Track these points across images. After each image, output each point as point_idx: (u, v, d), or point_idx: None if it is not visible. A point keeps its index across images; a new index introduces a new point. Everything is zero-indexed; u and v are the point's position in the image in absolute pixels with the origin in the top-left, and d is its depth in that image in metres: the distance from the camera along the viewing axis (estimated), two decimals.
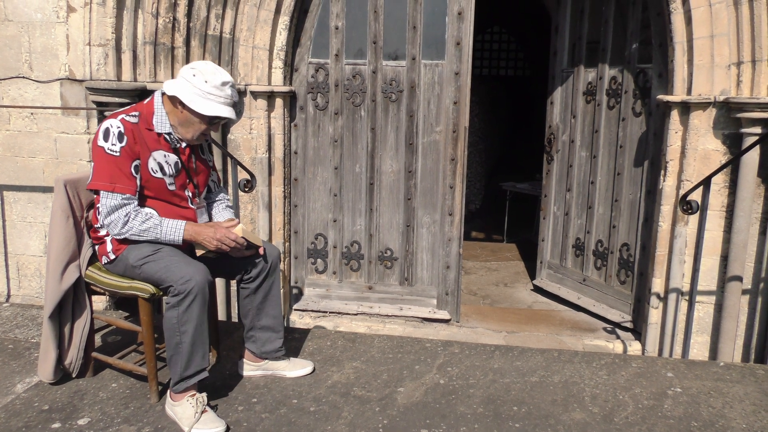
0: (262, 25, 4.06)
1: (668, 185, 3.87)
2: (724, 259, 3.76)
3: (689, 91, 3.70)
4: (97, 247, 2.51)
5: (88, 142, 3.80)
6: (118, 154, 2.28)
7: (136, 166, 2.32)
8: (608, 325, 4.48)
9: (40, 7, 3.73)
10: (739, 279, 3.68)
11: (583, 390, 2.63)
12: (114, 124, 2.29)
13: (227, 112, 2.34)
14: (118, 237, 2.35)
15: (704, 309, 3.89)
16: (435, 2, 4.16)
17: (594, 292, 4.68)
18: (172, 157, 2.42)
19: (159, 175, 2.38)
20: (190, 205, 2.51)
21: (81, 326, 2.57)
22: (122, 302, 3.84)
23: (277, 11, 4.07)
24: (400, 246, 4.50)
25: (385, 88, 4.31)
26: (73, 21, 3.71)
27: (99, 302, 3.78)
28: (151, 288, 2.39)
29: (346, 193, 4.49)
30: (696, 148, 3.73)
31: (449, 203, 4.38)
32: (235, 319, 4.30)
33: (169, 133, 2.39)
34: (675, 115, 3.79)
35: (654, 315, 4.02)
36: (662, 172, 3.91)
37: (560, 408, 2.47)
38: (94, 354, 2.64)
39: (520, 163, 10.36)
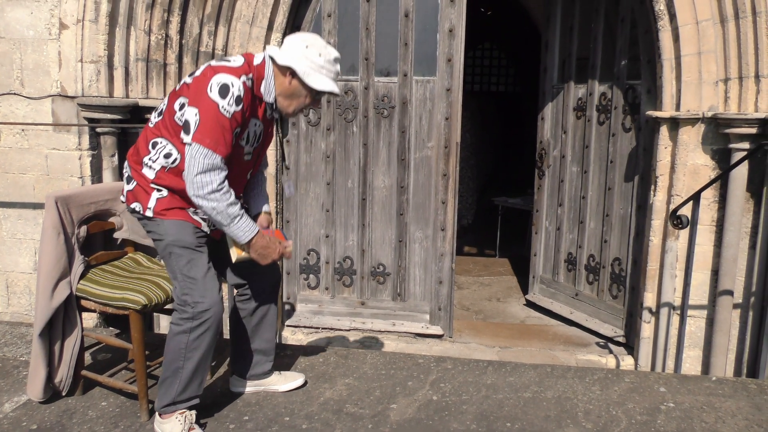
0: (255, 41, 4.08)
1: (658, 200, 3.90)
2: (715, 273, 3.78)
3: (678, 107, 3.74)
4: (133, 185, 2.27)
5: (80, 159, 3.79)
6: (230, 116, 2.11)
7: (236, 133, 2.18)
8: (601, 340, 4.48)
9: (33, 24, 3.74)
10: (730, 293, 3.69)
11: (576, 406, 2.62)
12: (235, 85, 2.11)
13: (337, 89, 2.25)
14: (194, 198, 2.11)
15: (696, 323, 3.90)
16: (426, 20, 4.20)
17: (586, 306, 4.69)
18: (260, 127, 2.30)
19: (243, 143, 2.25)
20: (247, 177, 2.42)
21: (71, 344, 2.55)
22: (113, 319, 3.81)
23: (269, 28, 4.09)
24: (392, 261, 4.50)
25: (377, 104, 4.33)
26: (66, 38, 3.72)
27: (89, 319, 3.74)
28: (142, 299, 2.38)
29: (339, 209, 4.49)
30: (685, 163, 3.76)
31: (441, 218, 4.39)
32: (226, 335, 4.27)
33: (272, 104, 2.28)
34: (664, 130, 3.83)
35: (646, 329, 4.03)
36: (652, 186, 3.94)
37: (553, 424, 2.46)
38: (84, 372, 2.62)
39: (512, 178, 10.40)
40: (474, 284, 5.96)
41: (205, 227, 2.30)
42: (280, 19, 4.11)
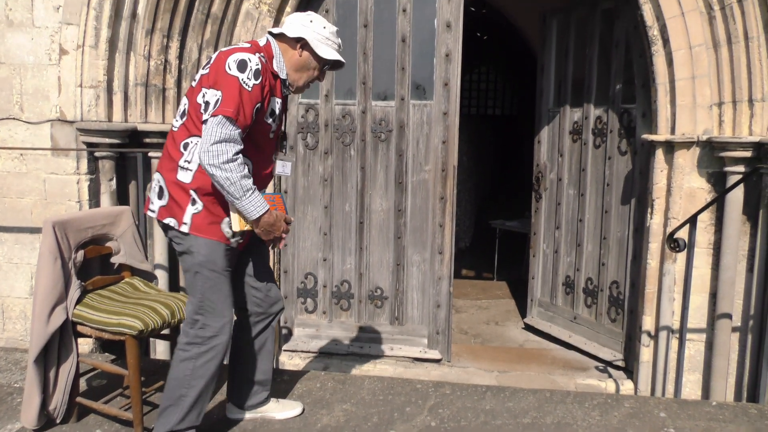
0: None
1: (655, 223, 3.91)
2: (713, 296, 3.78)
3: (673, 131, 3.77)
4: (166, 199, 2.24)
5: (78, 183, 3.80)
6: (250, 89, 2.14)
7: (257, 109, 2.19)
8: (600, 364, 4.46)
9: (33, 50, 3.77)
10: (729, 316, 3.69)
11: (575, 431, 2.59)
12: (252, 60, 2.16)
13: (341, 59, 2.35)
14: (208, 167, 2.10)
15: (695, 347, 3.89)
16: (423, 45, 4.25)
17: (585, 330, 4.67)
18: (280, 104, 2.33)
19: (269, 120, 2.29)
20: (273, 157, 2.43)
21: (66, 370, 2.53)
22: (109, 344, 3.78)
23: None
24: (390, 285, 4.48)
25: (375, 127, 4.36)
26: (66, 63, 3.75)
27: (85, 344, 3.72)
28: (138, 324, 2.36)
29: (336, 232, 4.49)
30: (681, 186, 3.78)
31: (439, 241, 4.39)
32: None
33: (285, 80, 2.33)
34: (660, 153, 3.85)
35: (645, 353, 4.01)
36: (649, 209, 3.95)
37: None
38: (79, 399, 2.59)
39: (509, 201, 10.43)
40: (472, 307, 5.94)
41: (233, 243, 2.28)
42: None
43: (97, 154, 3.81)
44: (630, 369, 4.25)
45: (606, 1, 4.34)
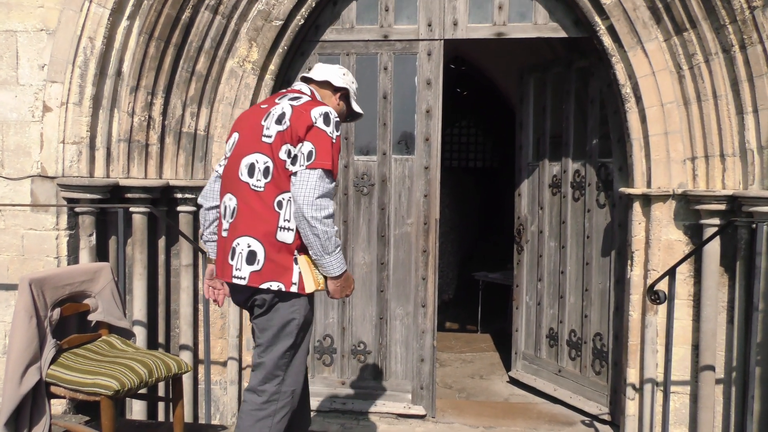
0: None
1: (635, 275, 3.94)
2: (696, 348, 3.78)
3: (649, 184, 3.85)
4: (261, 264, 2.21)
5: (57, 239, 3.76)
6: (334, 141, 2.24)
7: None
8: (586, 418, 4.40)
9: (16, 107, 3.79)
10: (712, 368, 3.69)
11: None
12: (332, 113, 2.27)
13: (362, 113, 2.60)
14: (311, 219, 2.14)
15: (680, 399, 3.87)
16: (404, 101, 4.34)
17: (570, 383, 4.63)
18: None
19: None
20: None
21: None
22: (83, 405, 3.67)
23: None
24: (373, 339, 4.44)
25: (357, 181, 4.40)
26: (49, 120, 3.77)
27: (58, 405, 3.60)
28: (114, 384, 2.31)
29: None
30: (659, 239, 3.84)
31: (422, 295, 4.38)
32: (202, 419, 4.12)
33: None
34: (637, 206, 3.92)
35: (631, 407, 3.98)
36: (629, 261, 3.99)
37: None
38: None
39: (492, 253, 10.47)
40: (456, 361, 5.87)
41: None
42: (262, 100, 4.21)
43: (77, 209, 3.79)
44: (616, 423, 4.20)
45: (581, 59, 4.49)
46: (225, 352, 4.23)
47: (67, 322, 2.75)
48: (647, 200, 3.87)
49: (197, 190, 4.08)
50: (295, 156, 2.19)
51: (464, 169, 12.80)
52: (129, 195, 3.91)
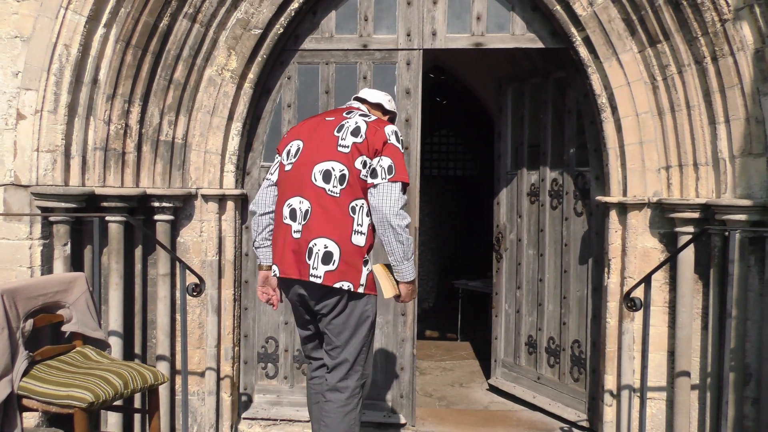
0: (215, 131, 4.15)
1: (612, 282, 3.99)
2: (672, 354, 3.83)
3: (625, 193, 3.90)
4: (336, 264, 2.43)
5: (30, 248, 3.69)
6: (403, 156, 2.57)
7: None
8: (565, 425, 4.43)
9: None
10: (687, 374, 3.73)
11: None
12: (398, 131, 2.60)
13: None
14: (396, 227, 2.41)
15: (657, 405, 3.91)
16: None
17: (549, 390, 4.66)
18: None
19: None
20: None
21: None
22: (56, 418, 3.60)
23: (230, 118, 4.18)
24: None
25: None
26: (22, 128, 3.71)
27: (31, 418, 3.53)
28: (89, 396, 2.27)
29: None
30: (635, 246, 3.89)
31: (402, 303, 4.37)
32: (179, 431, 4.07)
33: None
34: (613, 215, 3.97)
35: (608, 413, 4.01)
36: (606, 269, 4.03)
37: None
38: None
39: (471, 261, 10.52)
40: (436, 369, 5.88)
41: None
42: (241, 108, 4.20)
43: (51, 218, 3.73)
44: (594, 429, 4.23)
45: (558, 70, 4.55)
46: (203, 362, 4.19)
47: (41, 333, 2.71)
48: (623, 208, 3.92)
49: (175, 198, 4.05)
50: (374, 169, 2.46)
51: (445, 178, 12.86)
52: (105, 204, 3.86)
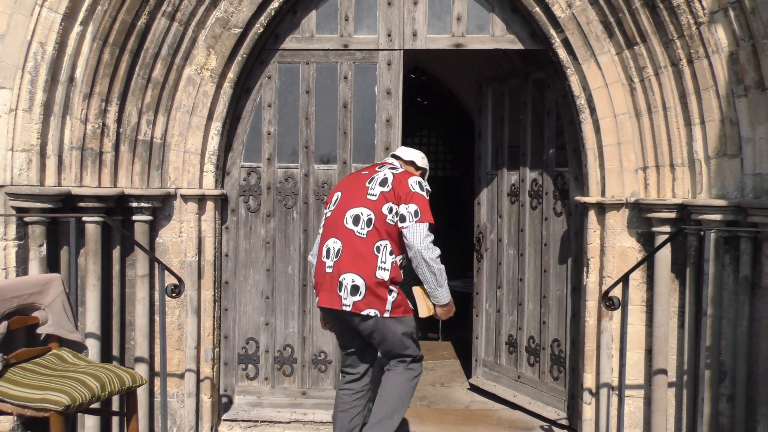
0: (194, 130, 4.11)
1: (591, 281, 4.03)
2: (649, 352, 3.88)
3: (603, 193, 3.95)
4: (362, 295, 2.89)
5: (4, 249, 3.62)
6: (427, 199, 3.02)
7: None
8: (545, 423, 4.47)
9: None
10: (664, 372, 3.78)
11: None
12: (422, 181, 3.10)
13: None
14: (428, 260, 2.92)
15: (634, 403, 3.96)
16: (364, 111, 4.35)
17: (529, 389, 4.69)
18: None
19: None
20: None
21: None
22: (31, 422, 3.54)
23: (210, 117, 4.15)
24: (334, 348, 4.41)
25: (318, 190, 4.38)
26: None
27: (6, 422, 3.47)
28: (65, 399, 2.24)
29: (279, 296, 4.43)
30: (614, 246, 3.93)
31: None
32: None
33: None
34: (592, 215, 4.01)
35: (587, 411, 4.05)
36: (585, 269, 4.07)
37: None
38: None
39: (453, 261, 10.52)
40: None
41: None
42: (221, 108, 4.17)
43: (26, 219, 3.67)
44: (574, 427, 4.27)
45: (537, 71, 4.59)
46: (182, 363, 4.15)
47: (15, 335, 2.66)
48: (602, 208, 3.96)
49: (153, 198, 4.00)
50: (402, 215, 2.93)
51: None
52: (82, 204, 3.80)
